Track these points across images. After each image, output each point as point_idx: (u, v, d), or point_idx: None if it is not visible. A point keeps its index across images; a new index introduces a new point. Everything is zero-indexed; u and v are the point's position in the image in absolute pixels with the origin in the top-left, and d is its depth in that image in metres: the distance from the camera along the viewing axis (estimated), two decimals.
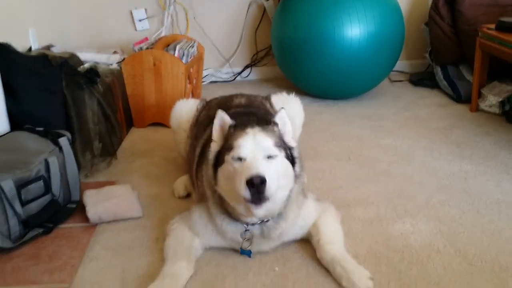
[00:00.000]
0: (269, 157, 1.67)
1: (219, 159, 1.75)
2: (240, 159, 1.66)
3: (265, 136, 1.68)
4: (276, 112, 1.85)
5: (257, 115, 1.96)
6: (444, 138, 3.11)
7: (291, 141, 1.81)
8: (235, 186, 1.64)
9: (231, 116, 1.83)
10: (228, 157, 1.70)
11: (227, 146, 1.72)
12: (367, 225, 2.14)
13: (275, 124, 1.76)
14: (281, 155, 1.71)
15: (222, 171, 1.73)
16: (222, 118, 1.78)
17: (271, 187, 1.60)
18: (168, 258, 1.85)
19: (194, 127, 2.41)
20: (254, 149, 1.66)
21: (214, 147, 1.80)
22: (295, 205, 1.87)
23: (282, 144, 1.74)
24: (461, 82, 3.85)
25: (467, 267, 1.84)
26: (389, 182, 2.53)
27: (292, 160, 1.78)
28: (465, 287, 1.73)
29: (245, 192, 1.60)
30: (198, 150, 2.11)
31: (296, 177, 1.81)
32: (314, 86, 3.92)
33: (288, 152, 1.76)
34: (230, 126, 1.76)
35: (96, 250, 2.02)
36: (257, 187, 1.57)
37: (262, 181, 1.57)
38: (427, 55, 4.32)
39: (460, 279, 1.78)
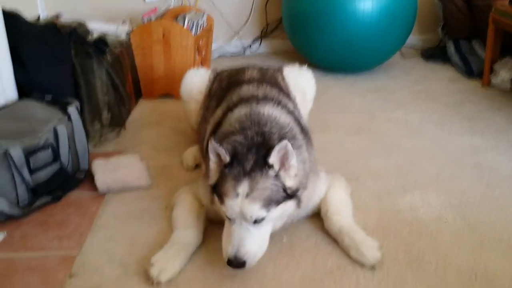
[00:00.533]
0: (256, 221, 1.60)
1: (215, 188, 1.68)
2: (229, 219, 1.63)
3: (251, 202, 1.57)
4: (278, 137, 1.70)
5: (263, 134, 1.72)
6: (456, 112, 3.07)
7: (292, 181, 1.65)
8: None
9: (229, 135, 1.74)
10: (221, 208, 1.65)
11: (219, 191, 1.64)
12: (376, 198, 2.13)
13: (270, 167, 1.61)
14: (272, 211, 1.61)
15: (218, 206, 1.68)
16: (216, 151, 1.65)
17: (251, 262, 1.60)
18: (177, 226, 1.86)
19: (207, 99, 2.39)
20: (240, 216, 1.59)
21: (213, 173, 1.69)
22: (305, 201, 1.82)
23: (274, 196, 1.61)
24: (473, 57, 3.80)
25: (476, 240, 1.83)
26: (399, 156, 2.51)
27: (293, 194, 1.67)
28: (474, 260, 1.73)
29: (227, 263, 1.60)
30: (209, 127, 2.07)
31: (299, 200, 1.71)
32: (324, 59, 3.87)
33: (286, 192, 1.64)
34: (225, 165, 1.64)
35: (104, 219, 2.03)
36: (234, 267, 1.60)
37: (242, 263, 1.58)
38: (439, 29, 4.25)
39: (469, 251, 1.77)
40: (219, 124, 1.94)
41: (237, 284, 1.64)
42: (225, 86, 2.28)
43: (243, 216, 1.58)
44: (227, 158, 1.63)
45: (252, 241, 1.60)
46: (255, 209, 1.57)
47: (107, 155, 2.46)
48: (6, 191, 1.97)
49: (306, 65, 2.54)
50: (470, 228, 1.90)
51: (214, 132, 1.94)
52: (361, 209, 2.04)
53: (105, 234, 1.93)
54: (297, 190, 1.67)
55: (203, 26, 3.56)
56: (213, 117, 2.08)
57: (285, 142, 1.59)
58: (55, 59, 2.44)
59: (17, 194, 2.00)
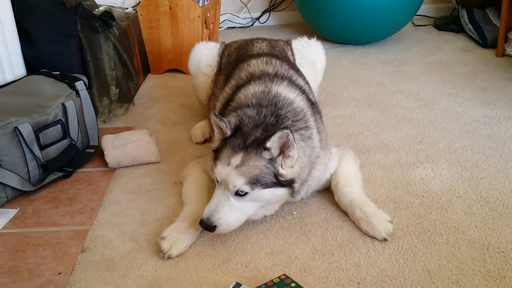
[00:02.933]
0: (238, 193, 1.61)
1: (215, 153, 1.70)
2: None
3: (238, 174, 1.58)
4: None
5: (278, 117, 1.72)
6: (469, 83, 3.02)
7: (287, 171, 1.63)
8: None
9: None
10: (213, 167, 1.70)
11: (217, 156, 1.67)
12: (387, 170, 2.12)
13: (267, 149, 1.59)
14: (256, 191, 1.60)
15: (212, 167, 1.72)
16: (217, 124, 1.68)
17: (222, 229, 1.63)
18: (187, 201, 1.86)
19: (217, 74, 2.38)
20: (225, 183, 1.61)
21: (216, 139, 1.73)
22: (316, 179, 1.86)
23: (263, 178, 1.60)
24: (487, 26, 3.72)
25: (488, 212, 1.81)
26: (411, 128, 2.48)
27: (286, 183, 1.65)
28: (486, 232, 1.71)
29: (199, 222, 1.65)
30: (218, 104, 2.05)
31: (293, 191, 1.69)
32: (334, 31, 3.82)
33: (278, 179, 1.62)
34: (225, 138, 1.67)
35: (115, 194, 2.04)
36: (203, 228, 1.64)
37: (212, 226, 1.61)
38: None
39: (481, 223, 1.75)
40: (230, 100, 1.92)
41: (246, 258, 1.65)
42: (234, 60, 2.26)
43: (227, 184, 1.61)
44: (228, 132, 1.65)
45: (228, 210, 1.62)
46: (238, 182, 1.58)
47: (117, 130, 2.46)
48: (17, 168, 1.98)
49: (315, 37, 2.50)
50: (482, 200, 1.88)
51: (224, 109, 1.93)
52: (372, 182, 2.03)
53: (116, 209, 1.94)
54: (291, 181, 1.66)
55: None
56: (222, 94, 2.07)
57: (286, 131, 1.57)
58: (62, 33, 2.43)
59: (28, 170, 2.01)
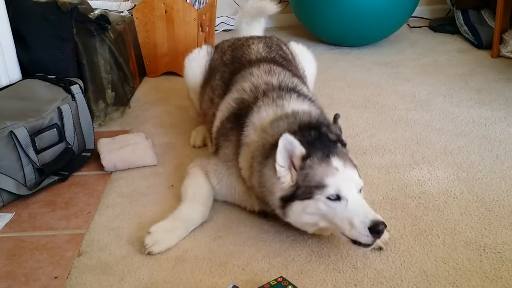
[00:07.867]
0: (360, 190, 1.57)
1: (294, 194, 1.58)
2: (338, 197, 1.52)
3: (352, 169, 1.57)
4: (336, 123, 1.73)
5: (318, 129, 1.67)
6: (464, 84, 3.03)
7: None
8: (331, 224, 1.55)
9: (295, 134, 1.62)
10: (320, 196, 1.53)
11: (315, 183, 1.53)
12: (383, 172, 2.12)
13: (344, 145, 1.65)
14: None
15: (305, 206, 1.56)
16: (290, 143, 1.56)
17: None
18: (186, 199, 1.84)
19: (208, 74, 2.32)
20: (351, 187, 1.53)
21: (284, 178, 1.59)
22: None
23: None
24: (482, 27, 3.73)
25: (484, 212, 1.82)
26: (407, 129, 2.48)
27: None
28: (482, 232, 1.71)
29: (367, 238, 1.48)
30: (220, 114, 1.97)
31: None
32: (330, 33, 3.82)
33: None
34: (304, 157, 1.56)
35: (111, 197, 2.03)
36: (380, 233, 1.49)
37: (383, 228, 1.49)
38: None
39: (477, 224, 1.76)
40: (239, 118, 1.84)
41: (243, 261, 1.64)
42: (230, 61, 2.22)
43: (352, 183, 1.54)
44: (303, 150, 1.57)
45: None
46: (356, 174, 1.59)
47: (113, 134, 2.46)
48: (13, 172, 1.97)
49: (305, 45, 2.49)
50: (478, 201, 1.89)
51: (228, 121, 1.88)
52: (368, 183, 2.03)
53: (112, 213, 1.94)
54: None
55: (206, 1, 3.51)
56: (224, 104, 1.97)
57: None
58: (57, 37, 2.42)
59: (24, 174, 2.01)
